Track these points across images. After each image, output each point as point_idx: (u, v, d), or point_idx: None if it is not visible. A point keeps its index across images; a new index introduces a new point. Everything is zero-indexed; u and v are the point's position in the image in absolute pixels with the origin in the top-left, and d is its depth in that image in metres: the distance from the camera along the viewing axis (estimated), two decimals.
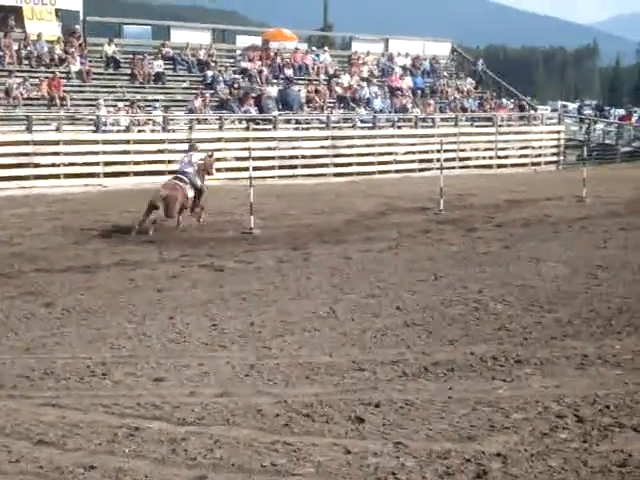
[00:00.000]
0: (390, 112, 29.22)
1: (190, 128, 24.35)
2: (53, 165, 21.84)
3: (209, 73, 27.36)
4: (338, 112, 28.13)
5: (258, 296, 9.24)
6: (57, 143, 21.96)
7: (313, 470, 4.55)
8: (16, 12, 25.67)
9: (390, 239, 13.45)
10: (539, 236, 13.43)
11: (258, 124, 25.82)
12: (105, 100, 24.08)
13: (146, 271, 10.97)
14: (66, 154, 21.98)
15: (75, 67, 25.08)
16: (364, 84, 29.92)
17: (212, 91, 26.64)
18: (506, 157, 30.00)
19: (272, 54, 29.53)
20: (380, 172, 26.43)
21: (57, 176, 21.73)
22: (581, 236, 13.50)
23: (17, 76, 23.42)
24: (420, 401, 5.58)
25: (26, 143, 21.47)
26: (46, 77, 23.97)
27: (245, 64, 28.43)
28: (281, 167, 24.86)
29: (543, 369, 6.24)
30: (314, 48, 32.53)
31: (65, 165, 21.90)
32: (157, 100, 25.49)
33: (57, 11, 26.52)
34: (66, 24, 26.75)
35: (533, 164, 30.45)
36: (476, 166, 28.62)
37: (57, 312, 8.65)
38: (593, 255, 11.40)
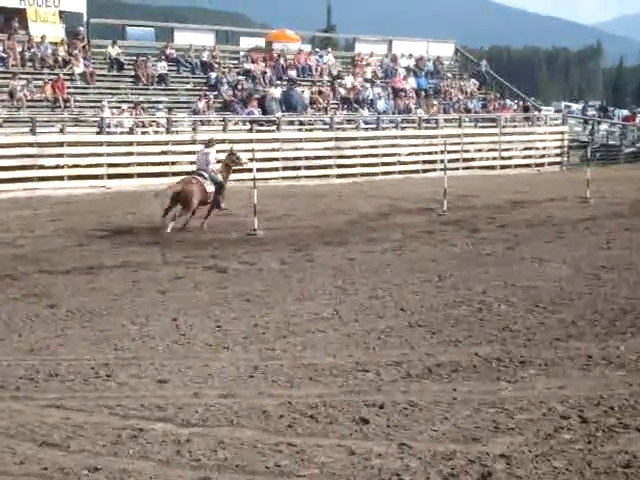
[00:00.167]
0: (393, 113, 29.22)
1: (194, 129, 24.36)
2: (57, 167, 21.85)
3: (213, 75, 27.37)
4: (341, 113, 28.14)
5: (262, 297, 9.24)
6: (61, 145, 21.99)
7: (317, 471, 4.55)
8: (20, 14, 25.71)
9: (394, 240, 13.45)
10: (543, 237, 13.41)
11: (262, 125, 25.84)
12: (109, 102, 24.11)
13: (149, 273, 10.98)
14: (70, 156, 22.00)
15: (79, 69, 25.11)
16: (367, 85, 29.92)
17: (216, 92, 26.65)
18: (510, 158, 29.97)
19: (275, 55, 29.54)
20: (383, 173, 26.42)
21: (61, 178, 21.75)
22: (585, 237, 13.48)
23: (21, 78, 23.45)
24: (424, 402, 5.57)
25: (30, 145, 21.50)
26: (50, 79, 24.00)
27: (249, 65, 28.45)
28: (285, 168, 24.86)
29: (547, 370, 6.24)
30: (317, 49, 32.55)
31: (69, 167, 21.91)
32: (161, 102, 25.51)
33: (61, 13, 26.55)
34: (70, 26, 26.78)
35: (537, 165, 30.42)
36: (480, 167, 28.60)
37: (61, 314, 8.66)
38: (597, 256, 11.39)
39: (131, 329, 7.90)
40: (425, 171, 26.83)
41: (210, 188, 15.04)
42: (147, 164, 23.02)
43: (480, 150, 29.46)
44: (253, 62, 28.65)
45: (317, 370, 6.39)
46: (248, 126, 25.45)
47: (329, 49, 33.29)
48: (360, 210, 17.71)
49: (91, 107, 24.25)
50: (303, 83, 28.98)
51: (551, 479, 4.41)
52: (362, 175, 25.64)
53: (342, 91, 29.08)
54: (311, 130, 26.61)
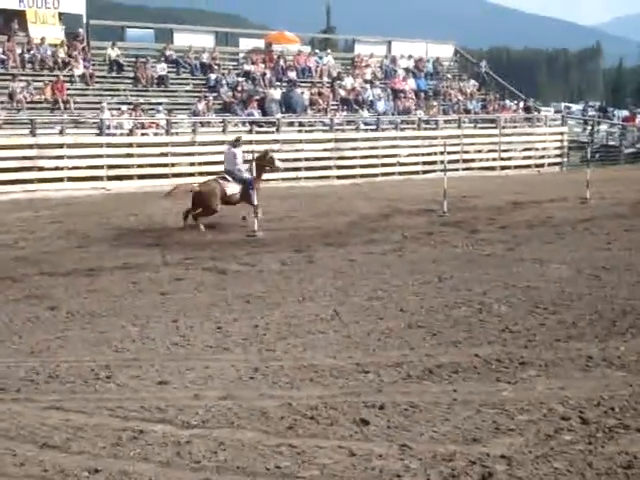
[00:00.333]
0: (393, 114, 29.22)
1: (193, 131, 24.37)
2: (57, 168, 21.85)
3: (212, 76, 27.39)
4: (341, 114, 28.14)
5: (262, 299, 9.24)
6: (61, 146, 21.99)
7: (318, 472, 4.55)
8: (19, 16, 25.71)
9: (394, 241, 13.45)
10: (543, 238, 13.41)
11: (261, 127, 25.84)
12: (108, 103, 24.12)
13: (150, 274, 10.98)
14: (70, 157, 22.00)
15: (78, 70, 25.12)
16: (367, 86, 29.93)
17: (215, 94, 26.66)
18: (509, 159, 29.97)
19: (275, 57, 29.55)
20: (383, 174, 26.41)
21: (61, 179, 21.75)
22: (585, 238, 13.48)
23: (21, 80, 23.45)
24: (424, 403, 5.57)
25: (30, 147, 21.51)
26: (49, 81, 24.01)
27: (248, 67, 28.46)
28: (284, 169, 24.82)
29: (547, 371, 6.24)
30: (317, 51, 32.57)
31: (69, 168, 21.91)
32: (160, 103, 25.51)
33: (60, 15, 26.56)
34: (69, 28, 26.80)
35: (537, 166, 30.41)
36: (479, 168, 28.58)
37: (61, 315, 8.67)
38: (597, 257, 11.39)
39: (131, 331, 7.90)
40: (425, 172, 26.83)
41: (233, 189, 15.18)
42: (147, 165, 23.04)
43: (480, 151, 29.45)
44: (253, 63, 28.66)
45: (317, 371, 6.39)
46: (248, 127, 25.44)
47: (328, 50, 33.32)
48: (360, 211, 17.71)
49: (91, 109, 24.25)
50: (303, 84, 28.98)
51: None
52: (362, 176, 25.64)
53: (342, 92, 29.08)
54: (311, 131, 26.61)
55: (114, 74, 26.32)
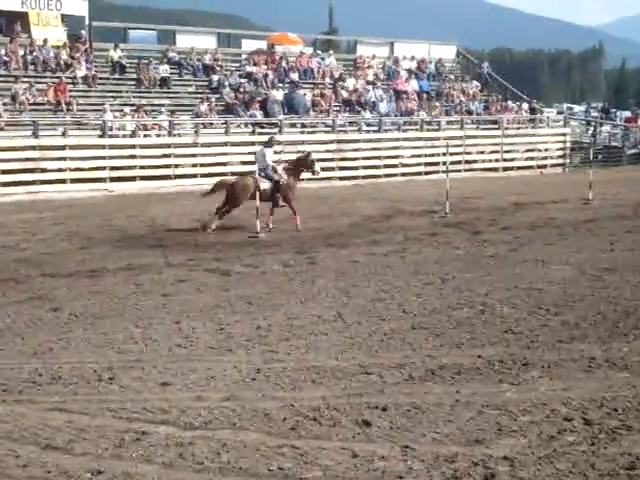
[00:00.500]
0: (396, 115, 29.22)
1: (196, 132, 24.39)
2: (59, 170, 21.88)
3: (215, 77, 27.40)
4: (344, 116, 28.14)
5: (264, 300, 9.24)
6: (63, 148, 22.02)
7: (320, 474, 4.55)
8: (22, 18, 25.74)
9: (396, 242, 13.45)
10: (545, 239, 13.40)
11: (264, 128, 25.82)
12: (111, 105, 24.13)
13: (152, 275, 10.98)
14: (72, 159, 22.04)
15: (81, 72, 25.14)
16: (370, 87, 29.93)
17: (218, 95, 26.67)
18: (512, 160, 29.97)
19: (277, 58, 29.55)
20: (386, 175, 26.43)
21: (63, 181, 21.78)
22: (588, 239, 13.46)
23: (23, 81, 23.47)
24: (427, 404, 5.57)
25: (32, 148, 21.54)
26: (52, 82, 24.03)
27: (250, 68, 28.46)
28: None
29: (550, 372, 6.23)
30: (319, 52, 32.58)
31: (71, 170, 21.94)
32: (163, 105, 25.52)
33: (63, 16, 26.60)
34: (72, 29, 26.83)
35: (539, 167, 30.41)
36: (482, 169, 28.58)
37: (64, 317, 8.67)
38: (600, 258, 11.38)
39: (134, 332, 7.90)
40: (427, 173, 26.82)
41: (265, 185, 15.43)
42: (149, 167, 23.06)
43: (482, 152, 29.45)
44: (255, 65, 28.67)
45: (320, 372, 6.39)
46: (250, 129, 25.45)
47: (331, 51, 33.31)
48: (363, 212, 17.72)
49: (93, 110, 24.27)
50: (305, 85, 28.99)
51: None
52: (364, 177, 25.66)
53: (344, 93, 29.09)
54: (313, 132, 26.62)
55: (116, 76, 26.34)
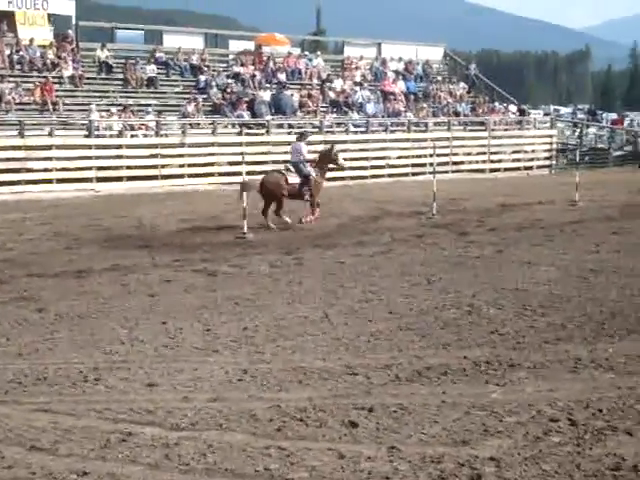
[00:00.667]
0: (383, 116, 29.28)
1: (183, 133, 24.35)
2: (45, 170, 21.82)
3: (202, 78, 27.38)
4: (331, 116, 28.16)
5: (251, 301, 9.22)
6: (49, 148, 21.96)
7: (307, 475, 4.54)
8: (8, 17, 25.66)
9: (383, 243, 13.45)
10: (532, 240, 13.43)
11: (251, 128, 25.83)
12: (98, 105, 24.10)
13: (139, 276, 10.94)
14: (58, 159, 21.97)
15: (67, 72, 25.07)
16: (357, 88, 29.97)
17: (205, 96, 26.65)
18: (499, 161, 30.08)
19: (265, 59, 29.56)
20: (373, 176, 26.45)
21: (49, 181, 21.72)
22: (574, 240, 13.50)
23: (9, 81, 23.40)
24: (413, 405, 5.57)
25: (18, 148, 21.47)
26: (38, 82, 23.95)
27: (238, 69, 28.46)
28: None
29: (536, 373, 6.24)
30: (307, 53, 32.59)
31: (57, 170, 21.87)
32: (150, 105, 25.49)
33: (49, 16, 26.53)
34: (58, 29, 26.76)
35: (526, 168, 30.52)
36: (469, 170, 28.68)
37: (50, 317, 8.62)
38: (586, 259, 11.41)
39: (120, 333, 7.87)
40: (414, 174, 26.86)
41: (294, 180, 15.60)
42: (136, 167, 23.01)
43: (469, 153, 29.54)
44: (242, 65, 28.67)
45: (306, 373, 6.38)
46: (237, 129, 25.44)
47: (318, 52, 33.38)
48: (350, 213, 17.72)
49: (80, 110, 24.22)
50: (292, 86, 29.00)
51: None
52: (352, 178, 25.64)
53: (331, 94, 29.12)
54: None
55: (103, 75, 26.30)
